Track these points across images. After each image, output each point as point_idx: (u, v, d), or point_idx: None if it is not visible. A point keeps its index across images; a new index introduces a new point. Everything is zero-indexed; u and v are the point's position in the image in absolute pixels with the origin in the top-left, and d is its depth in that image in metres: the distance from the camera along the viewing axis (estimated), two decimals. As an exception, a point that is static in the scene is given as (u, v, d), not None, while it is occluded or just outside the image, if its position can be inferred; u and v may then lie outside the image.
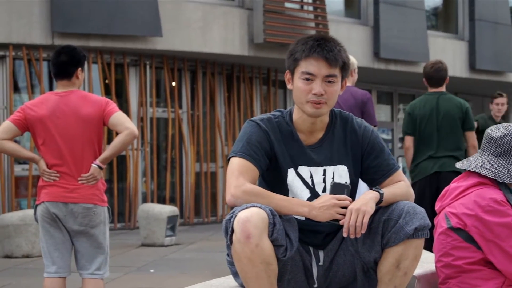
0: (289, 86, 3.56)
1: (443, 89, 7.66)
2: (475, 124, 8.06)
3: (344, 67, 3.49)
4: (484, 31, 19.71)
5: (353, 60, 7.94)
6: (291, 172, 3.50)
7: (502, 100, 10.53)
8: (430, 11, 20.52)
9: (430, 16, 20.39)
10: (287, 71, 3.55)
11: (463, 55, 19.56)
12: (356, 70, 7.79)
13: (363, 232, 3.29)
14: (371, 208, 3.32)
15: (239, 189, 3.34)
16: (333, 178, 3.52)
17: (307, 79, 3.43)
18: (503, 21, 20.18)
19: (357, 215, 3.28)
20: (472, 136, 7.56)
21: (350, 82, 7.83)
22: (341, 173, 3.53)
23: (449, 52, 19.18)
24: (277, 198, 3.34)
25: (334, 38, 3.51)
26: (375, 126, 7.39)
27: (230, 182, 3.38)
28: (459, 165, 3.87)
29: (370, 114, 7.44)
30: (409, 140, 7.63)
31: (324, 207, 3.31)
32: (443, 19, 21.07)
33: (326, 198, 3.33)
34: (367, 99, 7.52)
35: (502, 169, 3.71)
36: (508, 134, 3.74)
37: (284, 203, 3.34)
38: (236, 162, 3.42)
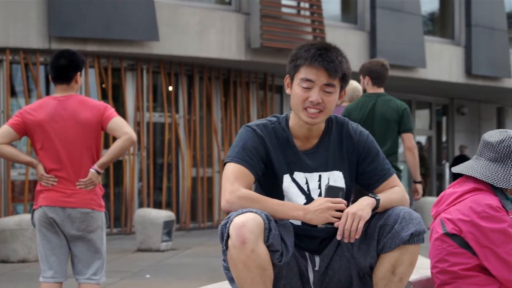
0: (287, 91, 3.56)
1: (382, 90, 7.31)
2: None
3: (344, 78, 3.49)
4: (480, 37, 19.74)
5: (357, 87, 7.98)
6: (286, 178, 3.50)
7: None
8: (427, 17, 20.55)
9: (426, 21, 20.42)
10: (287, 75, 3.56)
11: (460, 61, 19.58)
12: (359, 95, 7.78)
13: (357, 237, 3.30)
14: (367, 214, 3.33)
15: (234, 195, 3.35)
16: (328, 183, 3.53)
17: (306, 87, 3.44)
18: (500, 26, 20.21)
19: (353, 219, 3.29)
20: (408, 138, 7.16)
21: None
22: (336, 179, 3.54)
23: (445, 57, 19.20)
24: (271, 203, 3.35)
25: (337, 48, 3.50)
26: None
27: (225, 187, 3.39)
28: (455, 169, 3.87)
29: None
30: None
31: (319, 210, 3.31)
32: (439, 25, 21.10)
33: (321, 202, 3.34)
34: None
35: (499, 174, 3.72)
36: (505, 139, 3.75)
37: (279, 207, 3.34)
38: (231, 168, 3.43)
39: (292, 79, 3.52)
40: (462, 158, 19.39)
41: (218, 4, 16.05)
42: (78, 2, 13.23)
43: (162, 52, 14.26)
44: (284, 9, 15.88)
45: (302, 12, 16.16)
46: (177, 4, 14.69)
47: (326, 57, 3.42)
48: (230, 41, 15.02)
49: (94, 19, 13.30)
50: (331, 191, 3.39)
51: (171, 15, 14.28)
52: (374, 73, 7.29)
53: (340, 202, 3.34)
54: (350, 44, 16.76)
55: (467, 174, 3.77)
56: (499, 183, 3.69)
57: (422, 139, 22.58)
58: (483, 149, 3.81)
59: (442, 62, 19.08)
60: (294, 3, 16.29)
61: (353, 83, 8.07)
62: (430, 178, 22.48)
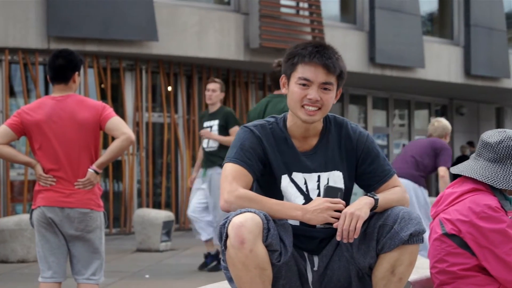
0: (283, 90, 3.56)
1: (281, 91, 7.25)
2: None
3: (341, 76, 3.49)
4: (479, 37, 19.74)
5: (447, 125, 8.65)
6: (285, 179, 3.50)
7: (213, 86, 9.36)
8: (426, 17, 20.55)
9: (425, 21, 20.42)
10: (283, 75, 3.56)
11: (459, 61, 19.58)
12: (449, 135, 8.45)
13: (355, 237, 3.30)
14: (365, 214, 3.32)
15: (232, 195, 3.35)
16: (327, 183, 3.52)
17: (303, 85, 3.44)
18: (499, 26, 20.21)
19: (351, 219, 3.29)
20: None
21: (445, 139, 8.61)
22: (335, 179, 3.54)
23: (444, 58, 19.20)
24: (270, 203, 3.35)
25: (332, 46, 3.51)
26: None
27: (223, 187, 3.39)
28: (454, 170, 3.87)
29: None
30: None
31: (318, 210, 3.31)
32: (438, 25, 21.10)
33: (319, 202, 3.34)
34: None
35: (498, 174, 3.71)
36: (504, 139, 3.74)
37: (278, 207, 3.34)
38: (229, 168, 3.43)
39: (288, 78, 3.51)
40: (463, 158, 19.39)
41: (217, 4, 16.05)
42: (77, 2, 13.22)
43: (161, 52, 14.26)
44: (283, 9, 15.89)
45: (301, 12, 16.16)
46: (176, 4, 14.69)
47: (324, 54, 3.43)
48: (229, 41, 15.02)
49: (93, 19, 13.29)
50: (330, 192, 3.39)
51: (170, 15, 14.28)
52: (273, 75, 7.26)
53: (339, 202, 3.34)
54: (349, 44, 16.76)
55: (466, 175, 3.77)
56: (498, 184, 3.69)
57: (422, 139, 22.56)
58: (482, 150, 3.81)
59: (441, 63, 19.08)
60: (293, 3, 16.28)
61: (442, 121, 8.78)
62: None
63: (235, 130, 8.98)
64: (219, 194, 9.82)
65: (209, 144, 9.21)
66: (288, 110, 6.73)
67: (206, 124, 9.27)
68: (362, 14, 17.73)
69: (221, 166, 9.00)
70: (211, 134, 9.13)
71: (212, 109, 9.31)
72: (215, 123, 9.18)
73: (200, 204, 9.44)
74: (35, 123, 5.25)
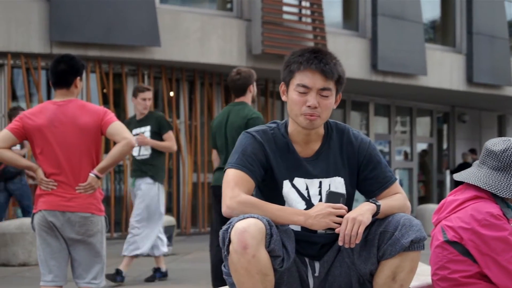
0: (283, 98, 3.57)
1: (245, 99, 7.03)
2: None
3: (339, 81, 3.50)
4: (481, 45, 19.74)
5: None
6: (286, 184, 3.50)
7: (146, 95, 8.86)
8: (428, 24, 20.55)
9: (428, 29, 20.42)
10: (282, 82, 3.56)
11: (461, 68, 19.58)
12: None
13: (357, 242, 3.30)
14: (367, 219, 3.33)
15: (234, 200, 3.35)
16: (329, 189, 3.53)
17: (302, 92, 3.44)
18: (501, 34, 20.21)
19: (353, 224, 3.29)
20: None
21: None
22: (337, 185, 3.54)
23: (446, 65, 19.21)
24: (272, 208, 3.35)
25: (330, 52, 3.52)
26: None
27: (225, 193, 3.40)
28: (457, 177, 3.87)
29: None
30: (214, 153, 7.18)
31: (320, 215, 3.31)
32: (441, 32, 21.11)
33: (321, 207, 3.34)
34: None
35: (501, 183, 3.71)
36: (508, 148, 3.74)
37: (280, 212, 3.34)
38: (231, 174, 3.43)
39: (287, 85, 3.52)
40: (464, 166, 19.40)
41: (219, 10, 16.05)
42: (80, 7, 13.24)
43: (164, 58, 14.27)
44: (285, 16, 15.89)
45: (303, 19, 16.17)
46: (179, 10, 14.70)
47: (322, 60, 3.43)
48: (231, 47, 15.03)
49: (96, 24, 13.31)
50: (332, 197, 3.40)
51: (172, 20, 14.29)
52: (229, 84, 7.16)
53: (341, 207, 3.35)
54: (351, 51, 16.77)
55: (470, 182, 3.77)
56: (502, 193, 3.69)
57: (423, 146, 22.58)
58: (485, 157, 3.81)
59: (443, 70, 19.08)
60: (295, 10, 16.29)
61: None
62: (431, 185, 22.49)
63: (170, 135, 8.67)
64: (152, 204, 9.61)
65: (141, 151, 8.73)
66: (252, 115, 6.77)
67: (135, 131, 8.65)
68: (364, 21, 17.74)
69: (152, 177, 8.66)
70: (147, 140, 8.60)
71: (141, 115, 8.82)
72: (146, 129, 8.68)
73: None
74: (36, 128, 5.26)
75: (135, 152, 8.74)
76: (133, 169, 8.93)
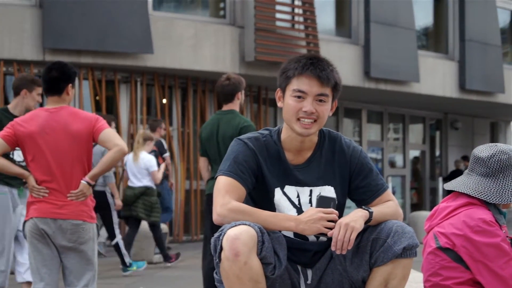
0: (279, 104, 3.56)
1: (233, 106, 6.96)
2: None
3: (336, 87, 3.50)
4: (474, 52, 19.78)
5: None
6: (277, 192, 3.50)
7: None
8: (421, 31, 20.58)
9: (420, 36, 20.45)
10: (278, 89, 3.56)
11: (453, 75, 19.61)
12: None
13: (349, 248, 3.29)
14: (359, 226, 3.32)
15: (225, 207, 3.34)
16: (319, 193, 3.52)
17: (298, 97, 3.44)
18: (493, 41, 20.25)
19: (346, 230, 3.28)
20: None
21: None
22: (327, 194, 3.53)
23: (439, 72, 19.24)
24: (263, 214, 3.34)
25: (326, 59, 3.52)
26: None
27: (216, 200, 3.39)
28: (447, 186, 3.87)
29: None
30: (201, 161, 7.12)
31: (311, 220, 3.30)
32: (433, 39, 21.14)
33: (312, 212, 3.33)
34: None
35: (491, 189, 3.71)
36: (495, 154, 3.75)
37: (271, 218, 3.34)
38: (222, 181, 3.43)
39: (283, 91, 3.51)
40: (457, 173, 19.41)
41: (212, 17, 16.05)
42: (73, 14, 13.22)
43: (156, 65, 14.25)
44: (278, 23, 15.90)
45: (296, 26, 16.18)
46: (172, 17, 14.70)
47: (318, 66, 3.43)
48: (224, 54, 15.03)
49: (89, 31, 13.29)
50: (323, 201, 3.38)
51: (165, 27, 14.29)
52: (217, 92, 7.06)
53: (332, 212, 3.33)
54: (344, 58, 16.78)
55: (460, 191, 3.77)
56: (492, 199, 3.69)
57: (416, 153, 22.61)
58: (474, 165, 3.81)
59: (436, 77, 19.11)
60: (288, 17, 16.30)
61: None
62: (423, 192, 22.50)
63: None
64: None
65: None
66: (244, 123, 6.72)
67: None
68: (357, 28, 17.77)
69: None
70: None
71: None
72: None
73: None
74: (28, 135, 5.24)
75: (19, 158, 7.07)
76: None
